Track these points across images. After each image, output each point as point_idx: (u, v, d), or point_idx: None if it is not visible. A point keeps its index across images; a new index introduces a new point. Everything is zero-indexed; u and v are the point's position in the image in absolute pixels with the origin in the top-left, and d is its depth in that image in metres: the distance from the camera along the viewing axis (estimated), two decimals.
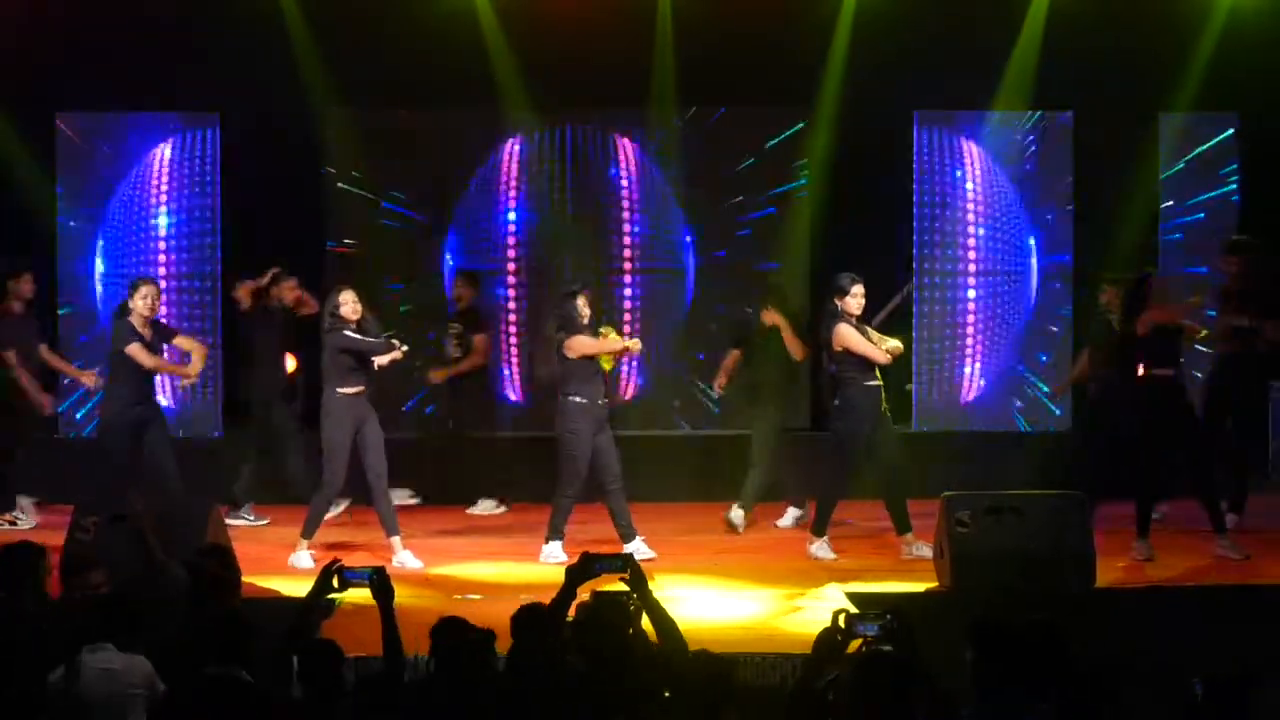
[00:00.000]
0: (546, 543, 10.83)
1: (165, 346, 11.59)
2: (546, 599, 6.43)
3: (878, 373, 10.84)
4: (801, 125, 13.87)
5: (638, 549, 10.54)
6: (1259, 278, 11.18)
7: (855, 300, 10.80)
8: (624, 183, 14.08)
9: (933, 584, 9.96)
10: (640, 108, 13.78)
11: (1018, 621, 5.79)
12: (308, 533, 10.79)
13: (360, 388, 10.84)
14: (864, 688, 5.46)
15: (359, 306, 10.82)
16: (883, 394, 10.87)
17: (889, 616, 5.84)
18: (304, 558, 10.62)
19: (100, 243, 13.74)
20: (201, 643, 6.23)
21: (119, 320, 11.25)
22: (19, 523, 11.95)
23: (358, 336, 10.74)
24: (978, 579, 9.53)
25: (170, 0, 13.10)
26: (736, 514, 11.87)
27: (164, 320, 11.98)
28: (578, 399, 10.81)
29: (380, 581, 6.40)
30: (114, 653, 6.44)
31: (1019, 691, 5.50)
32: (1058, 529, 9.77)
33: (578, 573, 6.45)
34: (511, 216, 14.08)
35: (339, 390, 10.79)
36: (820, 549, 10.87)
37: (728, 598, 9.71)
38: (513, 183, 14.08)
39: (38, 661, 6.41)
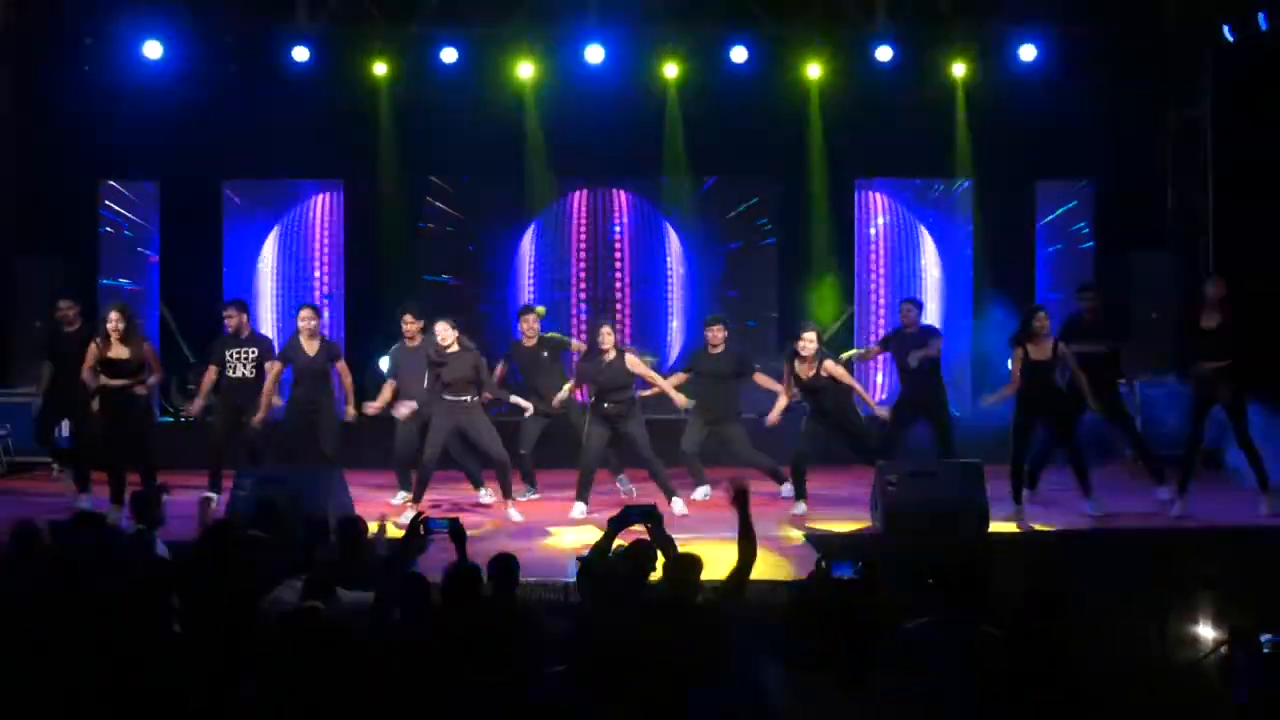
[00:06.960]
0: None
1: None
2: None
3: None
4: (773, 188, 13.88)
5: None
6: (1107, 310, 11.13)
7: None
8: (618, 230, 13.97)
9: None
10: (653, 174, 13.81)
11: (949, 559, 5.84)
12: (417, 497, 10.28)
13: (462, 397, 10.13)
14: (818, 603, 5.44)
15: (447, 336, 10.12)
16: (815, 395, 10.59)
17: (860, 563, 5.79)
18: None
19: (262, 282, 13.80)
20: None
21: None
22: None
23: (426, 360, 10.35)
24: (902, 525, 9.58)
25: (304, 95, 13.10)
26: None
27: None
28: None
29: (456, 529, 6.47)
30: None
31: (946, 609, 5.53)
32: (961, 489, 9.75)
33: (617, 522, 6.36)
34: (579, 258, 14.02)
35: (441, 396, 10.26)
36: None
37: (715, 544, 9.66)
38: (579, 232, 13.97)
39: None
